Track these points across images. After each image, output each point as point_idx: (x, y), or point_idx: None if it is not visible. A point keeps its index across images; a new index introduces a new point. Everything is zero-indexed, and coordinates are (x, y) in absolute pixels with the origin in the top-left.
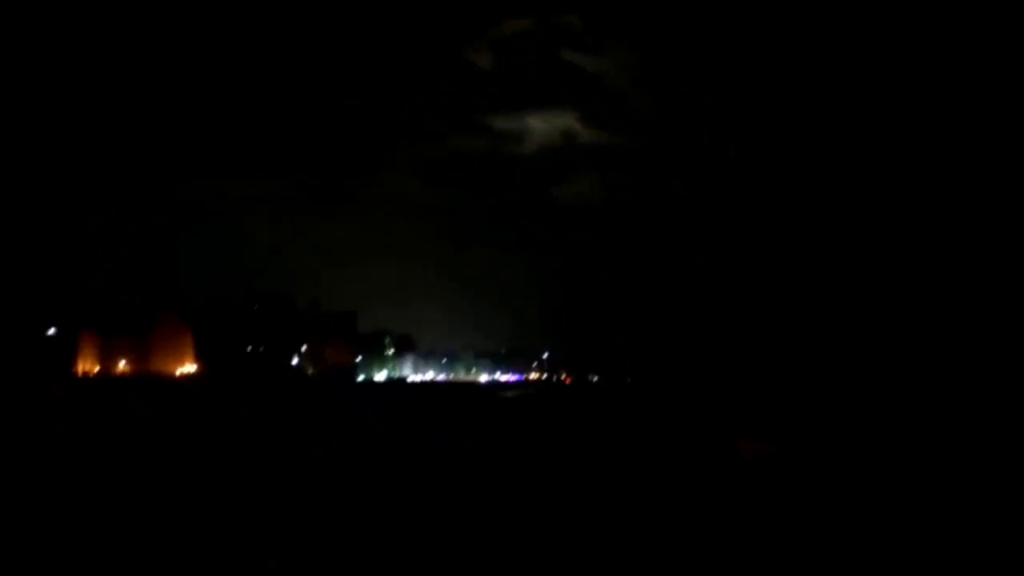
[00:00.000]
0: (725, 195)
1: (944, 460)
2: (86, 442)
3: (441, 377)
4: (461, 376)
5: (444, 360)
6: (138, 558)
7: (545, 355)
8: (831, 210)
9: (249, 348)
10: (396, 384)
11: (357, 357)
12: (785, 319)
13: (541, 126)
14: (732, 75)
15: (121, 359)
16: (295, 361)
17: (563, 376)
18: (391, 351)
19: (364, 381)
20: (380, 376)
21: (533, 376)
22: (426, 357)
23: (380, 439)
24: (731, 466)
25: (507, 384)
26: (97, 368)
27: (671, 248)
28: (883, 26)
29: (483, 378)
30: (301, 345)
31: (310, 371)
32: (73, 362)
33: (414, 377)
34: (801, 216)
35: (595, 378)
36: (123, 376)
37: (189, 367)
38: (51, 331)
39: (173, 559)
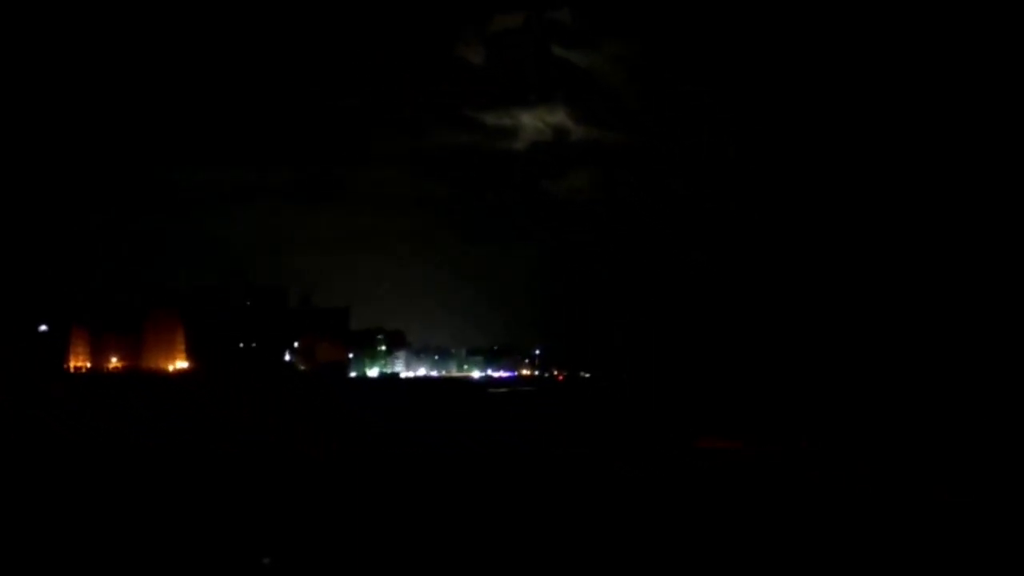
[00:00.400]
0: (724, 193)
1: (944, 460)
2: (82, 438)
3: (434, 374)
4: (454, 372)
5: (436, 357)
6: (138, 553)
7: (537, 352)
8: (830, 210)
9: (241, 344)
10: (389, 381)
11: (349, 354)
12: (785, 318)
13: (533, 122)
14: (730, 70)
15: (113, 355)
16: (287, 358)
17: (556, 373)
18: (383, 347)
19: (357, 377)
20: (373, 372)
21: (526, 373)
22: (418, 354)
23: (380, 439)
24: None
25: (500, 380)
26: (89, 364)
27: (669, 246)
28: (884, 24)
29: (476, 374)
30: (293, 341)
31: (302, 368)
32: (65, 358)
33: (407, 373)
34: (800, 216)
35: (587, 375)
36: (115, 372)
37: (181, 363)
38: (43, 327)
39: (172, 555)
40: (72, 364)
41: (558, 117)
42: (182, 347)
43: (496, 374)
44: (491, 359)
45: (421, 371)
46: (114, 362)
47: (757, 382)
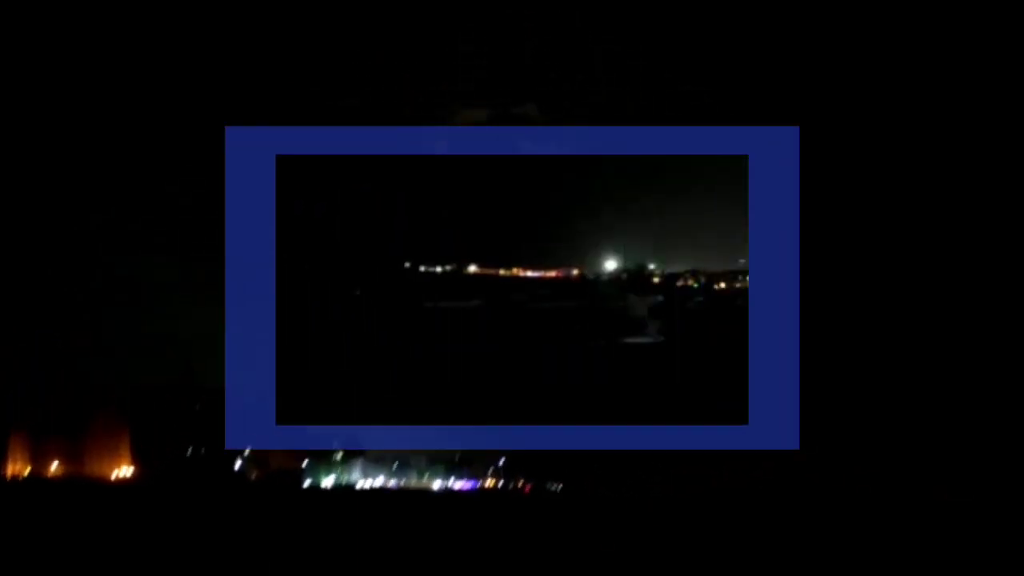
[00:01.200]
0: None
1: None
2: None
3: (392, 484)
4: (413, 482)
5: (395, 465)
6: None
7: (502, 461)
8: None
9: (190, 450)
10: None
11: (304, 461)
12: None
13: None
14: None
15: (54, 460)
16: (237, 466)
17: (522, 484)
18: (339, 456)
19: (310, 487)
20: (327, 482)
21: (489, 483)
22: (376, 462)
23: None
24: None
25: (461, 492)
26: (28, 471)
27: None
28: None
29: (436, 485)
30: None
31: (253, 476)
32: (2, 465)
33: (363, 483)
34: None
35: (558, 487)
36: (55, 480)
37: (125, 470)
38: None
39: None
40: (10, 471)
41: None
42: (127, 452)
43: (456, 485)
44: (453, 468)
45: (379, 480)
46: (54, 468)
47: None
